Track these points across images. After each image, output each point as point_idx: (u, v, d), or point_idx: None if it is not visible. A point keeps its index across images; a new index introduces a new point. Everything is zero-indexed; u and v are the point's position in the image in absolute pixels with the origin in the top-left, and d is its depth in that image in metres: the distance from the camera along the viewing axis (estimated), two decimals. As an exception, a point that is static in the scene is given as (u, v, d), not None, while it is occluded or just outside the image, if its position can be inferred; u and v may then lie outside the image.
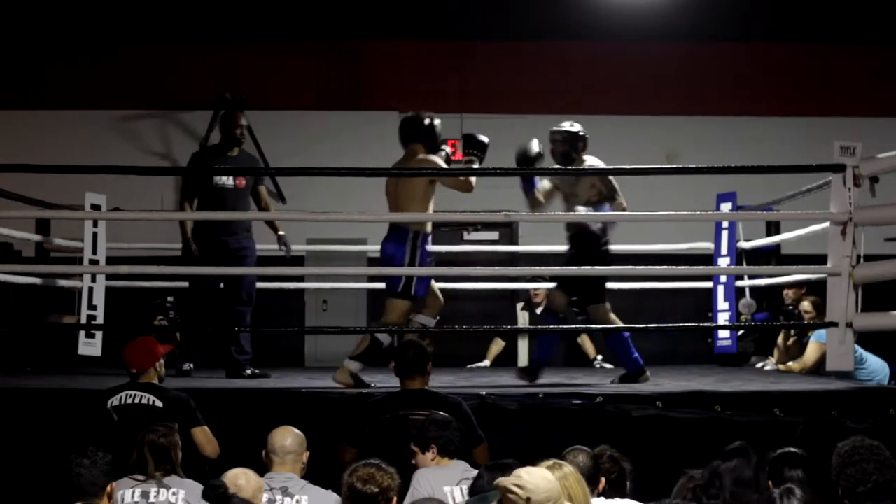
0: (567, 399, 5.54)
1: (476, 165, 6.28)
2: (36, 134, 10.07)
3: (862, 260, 5.60)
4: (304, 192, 9.56)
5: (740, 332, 7.99)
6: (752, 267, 8.16)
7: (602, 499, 4.09)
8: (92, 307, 6.83)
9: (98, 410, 4.96)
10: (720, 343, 7.55)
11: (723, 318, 7.48)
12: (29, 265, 8.20)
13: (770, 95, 10.60)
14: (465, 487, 4.20)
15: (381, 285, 8.92)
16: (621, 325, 6.55)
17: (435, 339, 7.25)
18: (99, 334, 6.74)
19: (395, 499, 3.79)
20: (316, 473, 4.48)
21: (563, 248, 6.82)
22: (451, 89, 10.34)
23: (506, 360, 8.70)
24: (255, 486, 4.04)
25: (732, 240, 7.57)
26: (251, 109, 9.92)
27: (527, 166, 6.39)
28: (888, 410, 5.46)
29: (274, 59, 10.46)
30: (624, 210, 6.46)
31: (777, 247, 8.23)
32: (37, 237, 7.84)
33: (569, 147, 6.45)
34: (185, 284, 7.32)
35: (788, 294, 8.09)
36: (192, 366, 6.95)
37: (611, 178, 6.47)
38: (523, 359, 8.59)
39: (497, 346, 8.88)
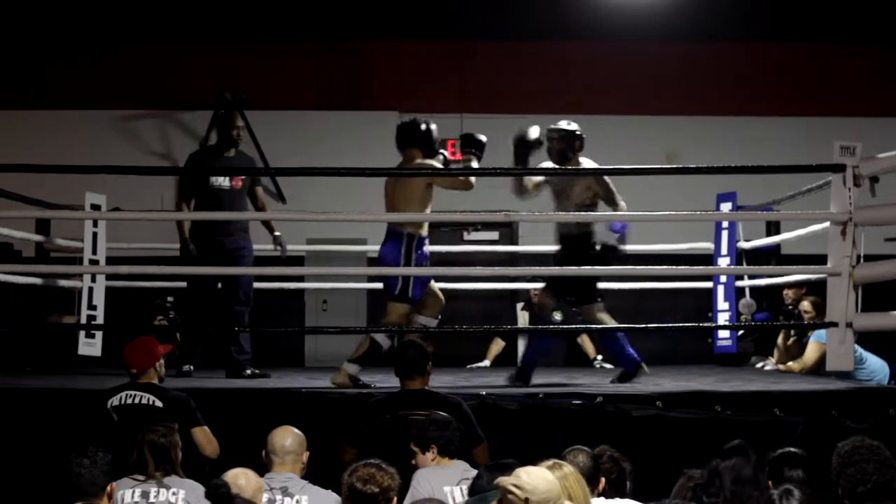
0: (567, 399, 5.54)
1: (475, 164, 6.27)
2: (36, 134, 10.07)
3: (862, 260, 5.60)
4: (304, 192, 9.57)
5: (740, 332, 7.99)
6: (752, 267, 8.16)
7: (602, 499, 4.09)
8: (92, 307, 6.83)
9: (98, 410, 4.96)
10: (720, 343, 7.55)
11: (723, 318, 7.48)
12: (29, 265, 8.20)
13: (770, 95, 10.60)
14: (465, 487, 4.20)
15: (381, 285, 8.98)
16: (614, 324, 6.52)
17: (435, 339, 7.23)
18: (99, 334, 6.74)
19: (395, 499, 3.80)
20: (316, 473, 4.48)
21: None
22: (451, 89, 10.34)
23: (506, 360, 8.71)
24: (255, 486, 4.04)
25: (732, 240, 7.57)
26: (251, 109, 9.95)
27: (523, 149, 6.38)
28: (888, 410, 5.46)
29: (274, 59, 10.47)
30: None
31: (777, 247, 8.23)
32: (37, 237, 7.84)
33: (565, 145, 6.44)
34: (185, 285, 7.32)
35: (788, 294, 8.10)
36: (192, 367, 6.95)
37: (608, 181, 6.43)
38: (523, 359, 8.59)
39: (497, 346, 8.89)
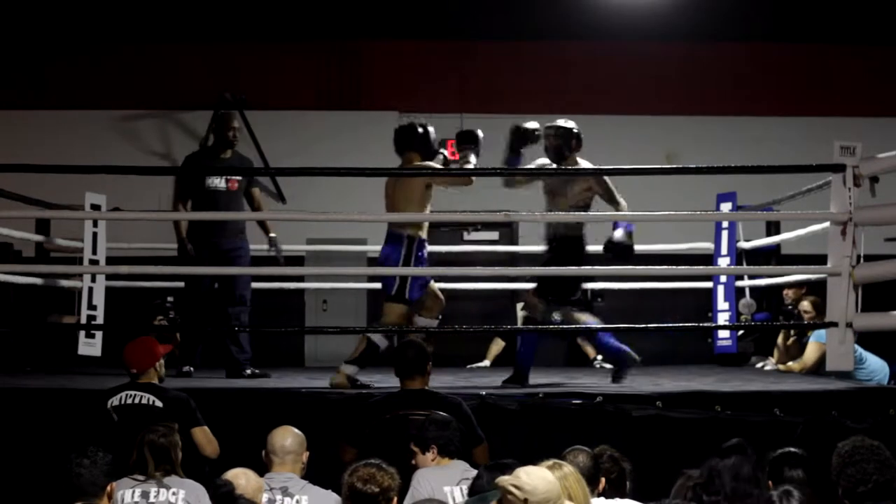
0: (567, 399, 5.54)
1: (473, 158, 6.28)
2: (36, 134, 10.07)
3: (862, 260, 5.60)
4: (304, 192, 9.56)
5: (740, 332, 7.99)
6: (752, 267, 8.16)
7: (602, 499, 4.09)
8: (92, 307, 6.84)
9: (98, 410, 4.96)
10: (720, 343, 7.56)
11: (723, 318, 7.49)
12: (29, 265, 8.20)
13: (770, 95, 10.60)
14: (465, 487, 4.20)
15: (381, 286, 8.98)
16: (595, 323, 6.49)
17: (435, 339, 7.25)
18: (99, 334, 6.75)
19: (395, 499, 3.80)
20: (316, 473, 4.48)
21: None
22: (451, 89, 10.34)
23: (506, 360, 8.70)
24: (255, 486, 4.04)
25: (732, 240, 7.57)
26: (251, 109, 9.96)
27: (519, 141, 6.37)
28: (888, 410, 5.46)
29: (274, 59, 10.46)
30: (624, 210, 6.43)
31: (777, 247, 8.23)
32: (37, 237, 7.84)
33: (562, 143, 6.42)
34: (184, 285, 7.33)
35: (788, 294, 8.10)
36: (192, 369, 6.95)
37: (608, 181, 6.42)
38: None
39: (497, 346, 8.88)
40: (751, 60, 10.62)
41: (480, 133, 6.34)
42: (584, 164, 6.46)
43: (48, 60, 10.38)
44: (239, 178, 6.98)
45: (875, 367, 6.90)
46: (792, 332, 7.80)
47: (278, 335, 9.66)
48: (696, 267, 7.97)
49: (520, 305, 9.15)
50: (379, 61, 10.59)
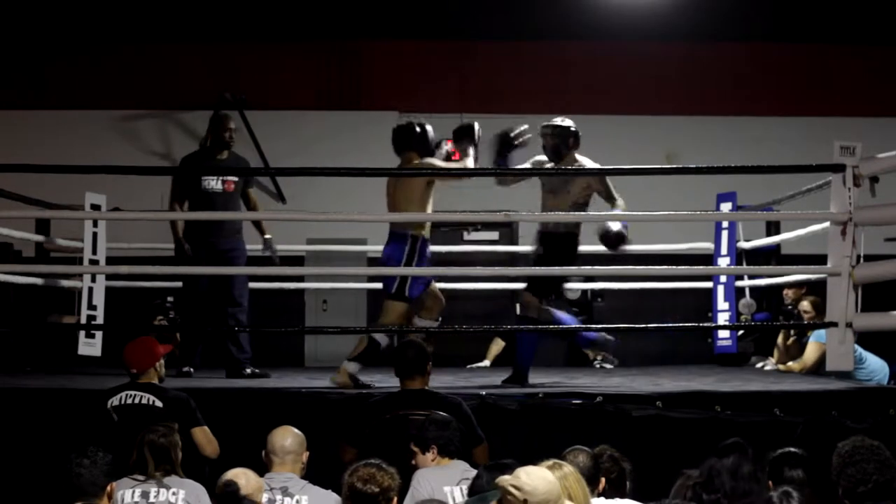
0: (567, 399, 5.54)
1: (471, 150, 6.30)
2: (36, 134, 10.07)
3: (862, 260, 5.60)
4: (304, 192, 9.57)
5: (740, 332, 7.99)
6: (752, 267, 8.16)
7: (602, 499, 4.09)
8: (92, 307, 6.84)
9: (98, 410, 4.96)
10: (720, 343, 7.55)
11: (723, 318, 7.48)
12: (29, 265, 8.20)
13: (770, 95, 10.60)
14: (465, 487, 4.20)
15: (381, 286, 8.98)
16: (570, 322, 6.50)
17: (435, 339, 7.25)
18: (99, 334, 6.75)
19: (395, 499, 3.80)
20: (316, 473, 4.48)
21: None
22: (451, 89, 10.34)
23: (506, 360, 8.69)
24: (255, 486, 4.04)
25: (732, 240, 7.57)
26: (251, 109, 9.96)
27: (503, 144, 6.37)
28: (888, 410, 5.46)
29: (274, 59, 10.47)
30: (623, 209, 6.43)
31: (777, 247, 8.23)
32: (37, 237, 7.84)
33: (559, 141, 6.41)
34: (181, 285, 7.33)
35: (788, 294, 8.09)
36: (192, 370, 6.94)
37: (607, 179, 6.42)
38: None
39: (497, 346, 8.88)
40: (751, 60, 10.62)
41: (478, 126, 6.35)
42: (584, 161, 6.44)
43: (48, 60, 10.38)
44: (235, 179, 6.97)
45: (875, 367, 6.90)
46: (792, 332, 7.80)
47: (278, 335, 9.66)
48: (696, 267, 7.97)
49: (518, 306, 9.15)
50: (379, 61, 10.59)
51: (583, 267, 6.34)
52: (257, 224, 7.26)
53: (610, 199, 6.38)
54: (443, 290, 6.54)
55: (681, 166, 8.78)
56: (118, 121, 10.30)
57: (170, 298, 7.86)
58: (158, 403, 4.93)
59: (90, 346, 6.73)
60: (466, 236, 10.22)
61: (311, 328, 9.91)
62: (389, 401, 5.05)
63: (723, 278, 7.53)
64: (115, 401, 4.96)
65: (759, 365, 8.08)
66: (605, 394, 5.58)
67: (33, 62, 10.37)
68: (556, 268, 6.41)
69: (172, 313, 7.75)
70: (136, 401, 4.95)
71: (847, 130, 7.29)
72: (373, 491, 3.72)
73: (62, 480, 3.61)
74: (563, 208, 6.34)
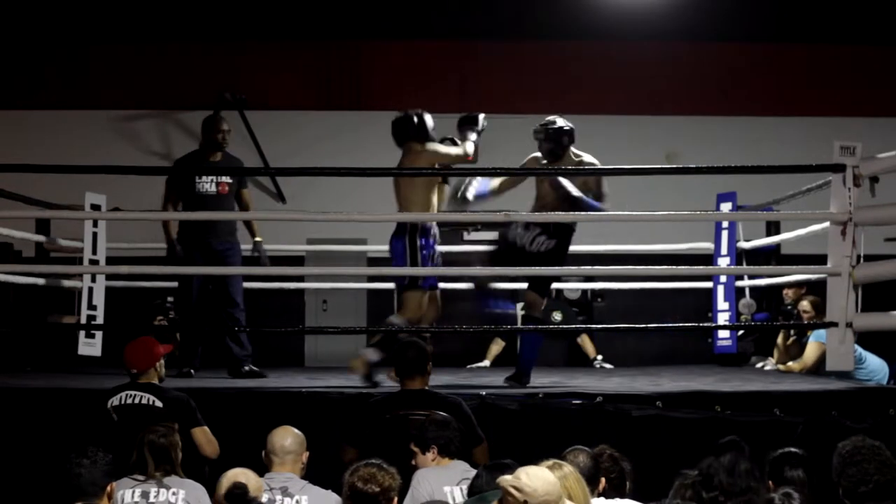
0: (567, 399, 5.54)
1: (472, 136, 6.33)
2: (35, 134, 10.07)
3: (862, 260, 5.60)
4: (304, 192, 9.57)
5: (740, 332, 7.99)
6: (752, 267, 8.16)
7: (602, 499, 4.09)
8: (92, 307, 6.84)
9: (98, 410, 4.96)
10: (720, 343, 7.55)
11: (723, 318, 7.48)
12: (29, 265, 8.20)
13: (770, 95, 10.60)
14: (465, 487, 4.20)
15: (381, 285, 8.98)
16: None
17: (435, 339, 7.25)
18: (99, 334, 6.75)
19: (395, 499, 3.80)
20: (316, 473, 4.48)
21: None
22: (451, 89, 10.34)
23: (506, 360, 8.70)
24: (255, 486, 4.04)
25: (732, 240, 7.57)
26: (251, 109, 9.96)
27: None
28: (888, 410, 5.45)
29: (274, 59, 10.47)
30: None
31: (777, 247, 8.23)
32: (37, 237, 7.84)
33: (553, 144, 6.40)
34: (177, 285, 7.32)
35: (788, 294, 8.09)
36: (192, 370, 6.94)
37: (603, 177, 6.43)
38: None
39: (497, 346, 8.88)
40: (751, 60, 10.63)
41: (483, 116, 6.41)
42: (582, 156, 6.43)
43: (48, 60, 10.38)
44: (229, 181, 6.96)
45: (875, 367, 6.90)
46: (792, 332, 7.80)
47: (278, 335, 9.66)
48: (696, 267, 7.97)
49: (520, 305, 9.15)
50: (379, 61, 10.60)
51: (583, 267, 6.32)
52: (249, 226, 7.23)
53: (598, 197, 6.37)
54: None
55: (681, 166, 8.78)
56: (118, 121, 10.30)
57: (170, 298, 7.86)
58: (158, 403, 4.93)
59: (90, 346, 6.73)
60: (466, 236, 10.22)
61: (311, 328, 9.92)
62: (389, 401, 5.05)
63: (723, 278, 7.53)
64: (115, 401, 4.96)
65: (759, 365, 8.08)
66: (605, 394, 5.57)
67: (33, 62, 10.37)
68: (554, 268, 6.41)
69: (172, 313, 7.74)
70: (136, 401, 4.95)
71: (847, 130, 7.29)
72: (373, 491, 3.72)
73: (62, 480, 3.61)
74: (561, 205, 6.30)
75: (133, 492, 4.25)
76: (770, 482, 4.03)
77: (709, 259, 7.85)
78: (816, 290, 7.23)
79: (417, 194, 6.15)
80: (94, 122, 10.21)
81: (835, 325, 5.59)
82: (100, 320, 6.87)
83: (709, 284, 7.70)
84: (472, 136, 6.34)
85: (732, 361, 8.17)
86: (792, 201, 7.33)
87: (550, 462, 3.68)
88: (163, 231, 7.07)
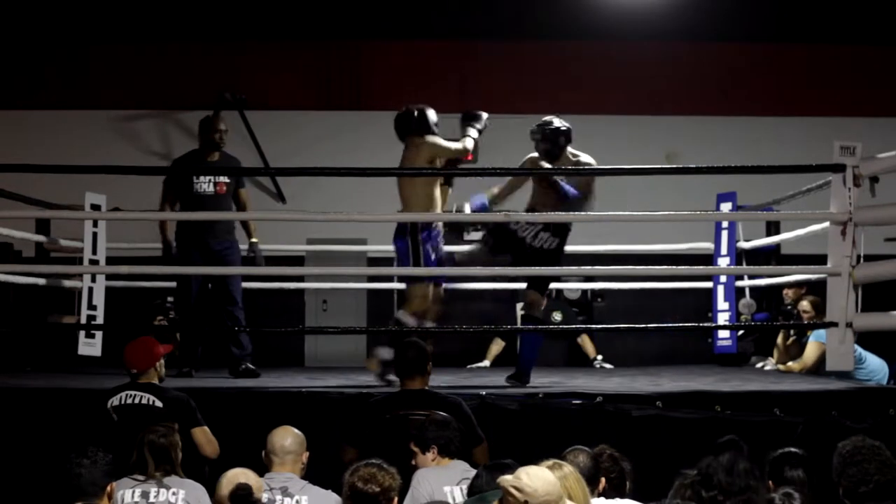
0: (567, 399, 5.54)
1: (473, 132, 6.37)
2: (35, 134, 10.07)
3: (862, 260, 5.60)
4: (304, 192, 9.57)
5: (740, 332, 7.99)
6: (752, 267, 8.16)
7: (602, 499, 4.09)
8: (92, 307, 6.84)
9: (98, 410, 4.96)
10: (720, 343, 7.55)
11: (723, 318, 7.48)
12: (29, 265, 8.20)
13: (770, 95, 10.60)
14: (465, 487, 4.20)
15: (381, 285, 8.99)
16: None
17: (435, 340, 7.26)
18: (99, 334, 6.75)
19: (395, 499, 3.80)
20: (316, 473, 4.48)
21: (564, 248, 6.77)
22: (451, 89, 10.34)
23: (506, 360, 8.70)
24: (255, 486, 4.04)
25: (732, 240, 7.57)
26: (251, 109, 9.96)
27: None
28: (888, 410, 5.45)
29: (274, 59, 10.47)
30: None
31: (777, 247, 8.23)
32: (37, 237, 7.84)
33: (550, 145, 6.41)
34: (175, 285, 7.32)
35: (788, 294, 8.09)
36: (192, 370, 6.93)
37: (595, 178, 6.43)
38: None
39: (497, 346, 8.88)
40: (751, 60, 10.62)
41: (486, 115, 6.45)
42: (579, 156, 6.42)
43: (48, 60, 10.38)
44: (227, 180, 6.96)
45: (874, 366, 6.90)
46: (792, 332, 7.80)
47: (278, 335, 9.66)
48: (696, 267, 7.97)
49: (520, 305, 9.15)
50: (379, 61, 10.59)
51: (583, 267, 6.32)
52: (246, 227, 7.22)
53: (585, 197, 6.38)
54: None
55: (681, 166, 8.78)
56: (118, 121, 10.30)
57: (170, 298, 7.85)
58: (158, 403, 4.93)
59: (90, 346, 6.73)
60: (466, 236, 10.20)
61: (311, 328, 9.92)
62: (389, 401, 5.05)
63: (723, 278, 7.53)
64: (115, 401, 4.96)
65: (759, 365, 8.08)
66: (605, 394, 5.57)
67: (33, 62, 10.37)
68: (556, 268, 6.41)
69: (172, 313, 7.74)
70: (136, 401, 4.95)
71: (847, 130, 7.29)
72: (373, 491, 3.72)
73: (62, 480, 3.61)
74: (559, 206, 6.29)
75: (133, 492, 4.25)
76: (770, 482, 4.03)
77: (709, 259, 7.85)
78: (816, 290, 7.23)
79: (418, 187, 6.18)
80: (94, 122, 10.20)
81: (835, 325, 5.59)
82: (100, 320, 6.87)
83: (709, 284, 7.70)
84: (473, 133, 6.36)
85: (732, 361, 8.17)
86: (792, 201, 7.33)
87: (550, 462, 3.68)
88: (159, 231, 7.07)
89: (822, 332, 6.29)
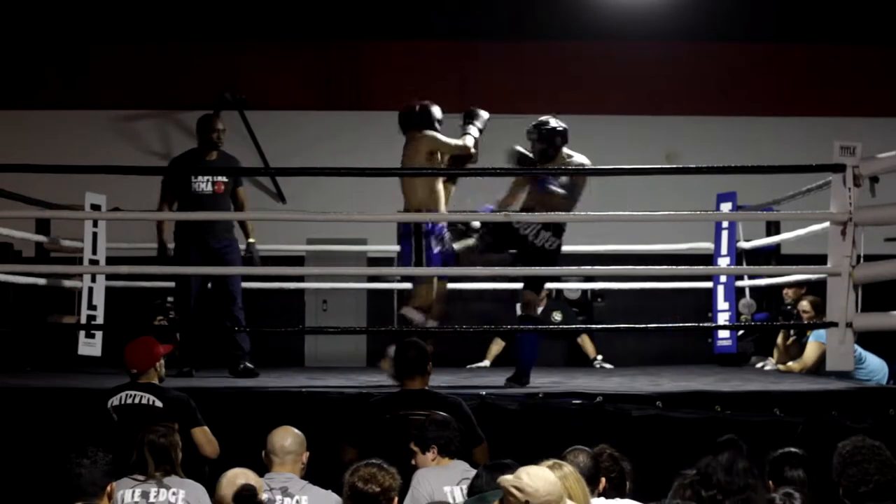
0: (567, 399, 5.54)
1: (473, 131, 6.39)
2: (35, 134, 10.07)
3: (862, 260, 5.60)
4: (304, 192, 9.57)
5: (740, 332, 7.99)
6: (752, 267, 8.16)
7: (602, 499, 4.09)
8: (92, 307, 6.84)
9: (98, 410, 4.96)
10: (720, 343, 7.55)
11: (723, 318, 7.48)
12: (29, 265, 8.19)
13: (770, 95, 10.60)
14: (465, 487, 4.20)
15: (382, 285, 8.99)
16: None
17: (435, 339, 7.26)
18: (99, 334, 6.75)
19: (395, 498, 3.80)
20: (316, 473, 4.48)
21: (564, 248, 6.77)
22: (451, 89, 10.32)
23: (506, 360, 8.70)
24: (255, 486, 4.04)
25: (732, 240, 7.57)
26: (251, 109, 9.95)
27: (525, 163, 6.39)
28: (888, 410, 5.45)
29: (274, 59, 10.47)
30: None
31: (777, 247, 8.23)
32: (37, 237, 7.84)
33: (546, 145, 6.40)
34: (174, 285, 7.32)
35: (788, 294, 8.09)
36: (192, 370, 6.93)
37: (588, 180, 6.42)
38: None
39: (497, 346, 8.88)
40: (751, 60, 10.62)
41: (487, 114, 6.49)
42: (574, 157, 6.40)
43: (47, 60, 10.38)
44: (225, 180, 6.97)
45: (874, 366, 6.90)
46: (792, 332, 7.80)
47: (278, 335, 9.65)
48: (696, 267, 7.97)
49: (519, 305, 9.15)
50: (379, 61, 10.59)
51: (583, 267, 6.31)
52: (244, 227, 7.22)
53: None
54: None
55: (681, 166, 8.78)
56: (118, 121, 10.30)
57: (170, 298, 7.84)
58: (158, 403, 4.93)
59: (90, 346, 6.73)
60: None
61: (311, 328, 9.91)
62: (389, 401, 5.05)
63: (723, 278, 7.53)
64: (115, 401, 4.96)
65: (759, 365, 8.08)
66: (605, 394, 5.57)
67: (33, 62, 10.37)
68: (556, 268, 6.41)
69: (172, 313, 7.74)
70: (136, 401, 4.95)
71: (847, 130, 7.29)
72: (374, 491, 3.72)
73: (62, 480, 3.61)
74: (556, 206, 6.28)
75: (133, 492, 4.25)
76: (770, 482, 4.03)
77: (709, 259, 7.85)
78: (816, 290, 7.23)
79: (419, 180, 6.20)
80: (94, 122, 10.20)
81: (835, 325, 5.59)
82: (100, 320, 6.87)
83: (709, 284, 7.70)
84: (474, 131, 6.38)
85: (732, 361, 8.17)
86: (792, 201, 7.32)
87: (550, 462, 3.67)
88: (156, 231, 7.07)
89: (822, 332, 6.29)
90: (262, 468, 4.37)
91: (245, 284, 7.19)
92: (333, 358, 9.31)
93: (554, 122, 6.40)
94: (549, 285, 8.76)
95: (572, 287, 9.46)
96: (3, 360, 7.51)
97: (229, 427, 5.12)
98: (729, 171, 6.68)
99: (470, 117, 6.47)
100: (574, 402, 5.50)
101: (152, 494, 4.26)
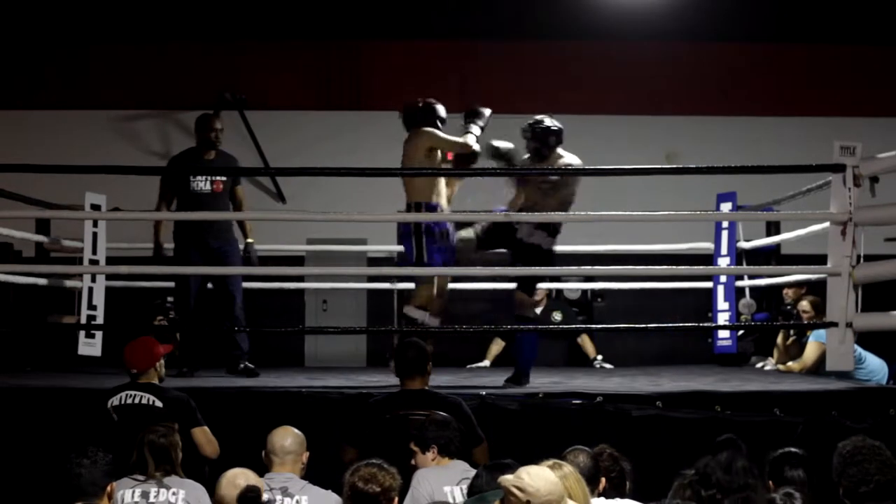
0: (567, 399, 5.54)
1: (475, 130, 6.39)
2: (35, 134, 10.07)
3: (862, 260, 5.60)
4: (304, 192, 9.57)
5: (740, 332, 7.99)
6: (752, 267, 8.16)
7: (602, 499, 4.09)
8: (92, 307, 6.84)
9: (98, 410, 4.96)
10: (720, 343, 7.55)
11: (723, 318, 7.48)
12: (29, 265, 8.19)
13: (770, 95, 10.60)
14: (465, 487, 4.20)
15: (382, 285, 8.99)
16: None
17: (435, 339, 7.26)
18: (99, 334, 6.75)
19: (396, 498, 3.80)
20: (316, 473, 4.48)
21: (564, 248, 6.78)
22: (451, 89, 10.32)
23: (506, 360, 8.70)
24: (258, 487, 4.04)
25: (732, 240, 7.57)
26: (251, 109, 9.95)
27: (502, 159, 6.42)
28: (888, 410, 5.46)
29: (274, 59, 10.47)
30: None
31: (777, 247, 8.23)
32: (37, 237, 7.84)
33: (539, 144, 6.39)
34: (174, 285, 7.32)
35: (788, 294, 8.09)
36: (192, 370, 6.93)
37: (581, 180, 6.43)
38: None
39: (497, 346, 8.88)
40: (751, 60, 10.63)
41: (489, 112, 6.50)
42: (568, 158, 6.39)
43: (47, 60, 10.38)
44: (223, 179, 6.97)
45: (874, 367, 6.90)
46: (792, 332, 7.80)
47: (278, 335, 9.65)
48: (696, 267, 7.96)
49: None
50: (379, 61, 10.60)
51: (583, 267, 6.31)
52: (242, 227, 7.22)
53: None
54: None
55: (681, 166, 8.77)
56: (118, 121, 10.30)
57: (170, 298, 7.84)
58: (158, 403, 4.93)
59: (90, 346, 6.73)
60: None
61: (311, 328, 9.91)
62: (389, 401, 5.05)
63: (723, 278, 7.52)
64: (115, 401, 4.96)
65: (759, 365, 8.08)
66: (605, 394, 5.57)
67: (32, 62, 10.37)
68: (555, 268, 6.40)
69: (172, 313, 7.74)
70: (136, 401, 4.95)
71: (847, 130, 7.28)
72: (374, 490, 3.72)
73: (62, 480, 3.61)
74: (551, 203, 6.28)
75: (133, 492, 4.25)
76: (770, 482, 4.03)
77: (709, 259, 7.85)
78: (816, 290, 7.23)
79: (418, 179, 6.19)
80: (94, 122, 10.20)
81: (835, 325, 5.59)
82: (100, 320, 6.87)
83: (709, 284, 7.70)
84: (475, 129, 6.38)
85: (732, 361, 8.17)
86: (792, 201, 7.33)
87: (550, 462, 3.67)
88: (153, 231, 7.07)
89: (821, 332, 6.29)
90: (262, 468, 4.37)
91: (245, 284, 7.19)
92: (333, 358, 9.31)
93: (549, 122, 6.40)
94: (549, 285, 8.77)
95: (572, 287, 9.46)
96: (3, 360, 7.51)
97: (229, 427, 5.12)
98: (729, 171, 6.67)
99: (472, 116, 6.47)
100: (574, 402, 5.50)
101: (152, 494, 4.26)
